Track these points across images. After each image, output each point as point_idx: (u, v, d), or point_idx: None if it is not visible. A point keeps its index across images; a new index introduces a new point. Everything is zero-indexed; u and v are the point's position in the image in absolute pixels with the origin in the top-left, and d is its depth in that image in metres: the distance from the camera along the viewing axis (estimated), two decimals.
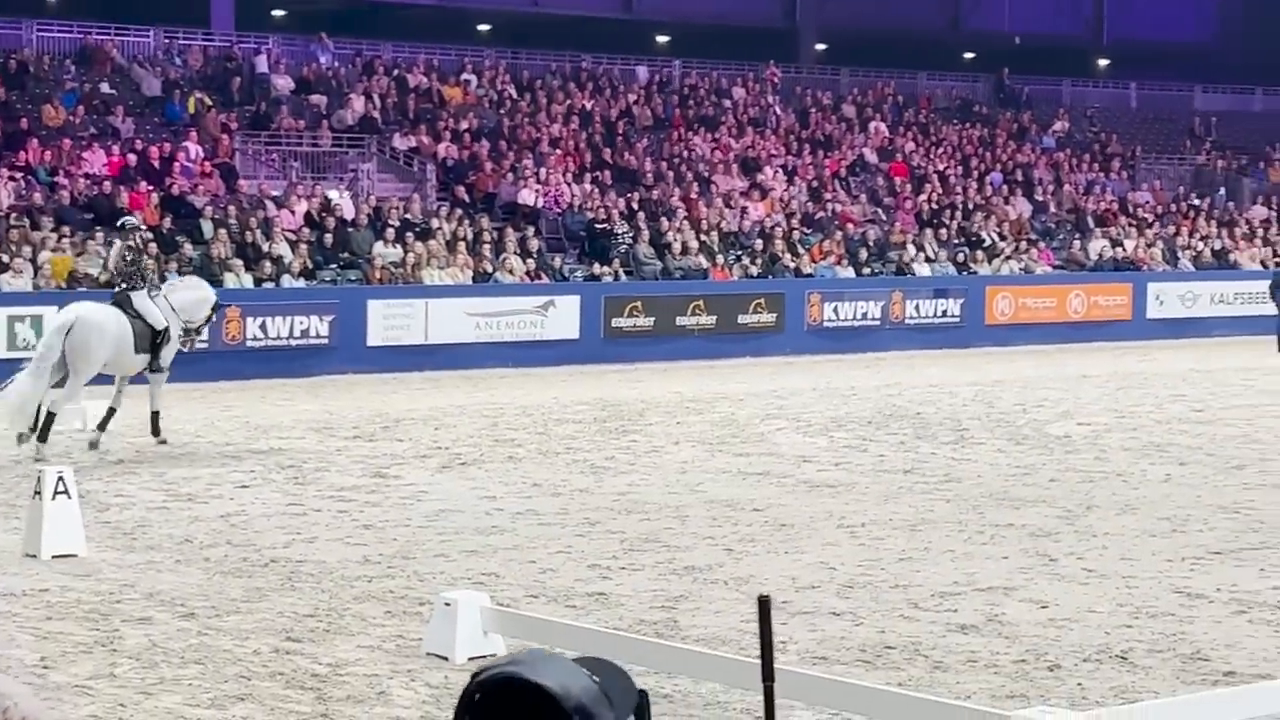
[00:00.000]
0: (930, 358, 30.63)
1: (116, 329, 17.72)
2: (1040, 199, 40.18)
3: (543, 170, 34.05)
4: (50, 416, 17.19)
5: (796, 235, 33.97)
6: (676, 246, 31.90)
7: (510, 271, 29.55)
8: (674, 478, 16.09)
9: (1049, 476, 16.23)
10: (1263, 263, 38.57)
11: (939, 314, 32.91)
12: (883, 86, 45.77)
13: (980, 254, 35.28)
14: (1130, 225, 39.24)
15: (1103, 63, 59.51)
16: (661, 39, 51.37)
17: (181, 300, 18.58)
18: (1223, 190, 44.35)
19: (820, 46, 52.10)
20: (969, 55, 55.31)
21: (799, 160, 38.85)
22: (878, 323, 32.14)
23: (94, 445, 17.73)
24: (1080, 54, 57.21)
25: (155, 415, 18.16)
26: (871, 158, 40.44)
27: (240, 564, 11.88)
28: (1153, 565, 11.87)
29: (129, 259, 18.46)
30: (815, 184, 37.80)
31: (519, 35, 45.69)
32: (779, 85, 43.78)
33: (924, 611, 10.44)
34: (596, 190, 33.93)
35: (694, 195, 34.98)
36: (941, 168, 40.56)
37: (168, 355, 18.35)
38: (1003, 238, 36.59)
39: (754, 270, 32.46)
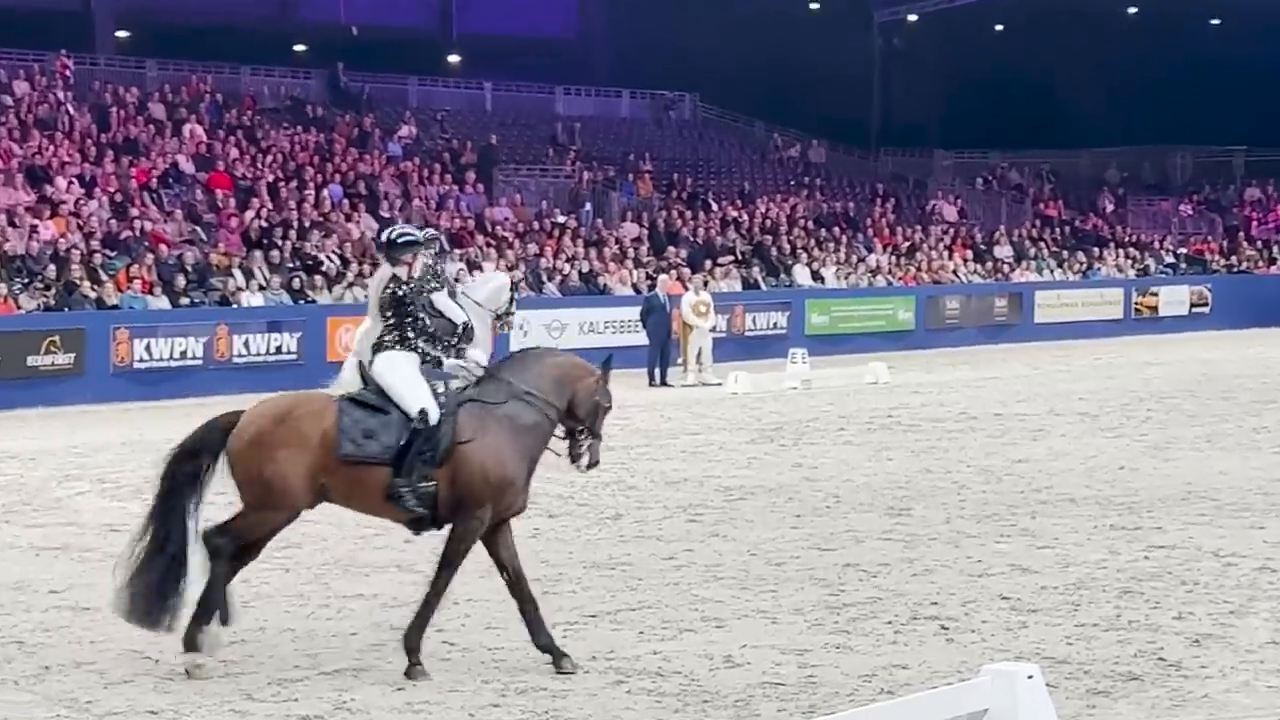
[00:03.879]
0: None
1: None
2: (387, 215, 40.79)
3: None
4: None
5: (98, 259, 33.19)
6: None
7: None
8: None
9: (404, 537, 16.41)
10: (635, 286, 40.48)
11: (273, 350, 32.86)
12: (198, 82, 45.46)
13: (319, 279, 35.48)
14: (489, 245, 40.39)
15: (453, 59, 61.19)
16: None
17: (483, 294, 22.50)
18: (589, 206, 46.31)
19: (121, 34, 51.29)
20: (300, 48, 55.74)
21: (99, 169, 38.02)
22: (200, 362, 31.78)
23: None
24: (427, 49, 58.66)
25: None
26: (187, 166, 40.01)
27: None
28: (520, 634, 12.20)
29: (430, 266, 23.00)
30: (119, 198, 37.06)
31: None
32: (72, 79, 42.77)
33: (259, 703, 10.39)
34: None
35: None
36: (271, 179, 40.59)
37: (473, 350, 21.94)
38: (345, 261, 36.94)
39: (46, 301, 31.51)
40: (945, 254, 50.25)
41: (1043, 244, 54.03)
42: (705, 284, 37.19)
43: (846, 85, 66.04)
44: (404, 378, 11.58)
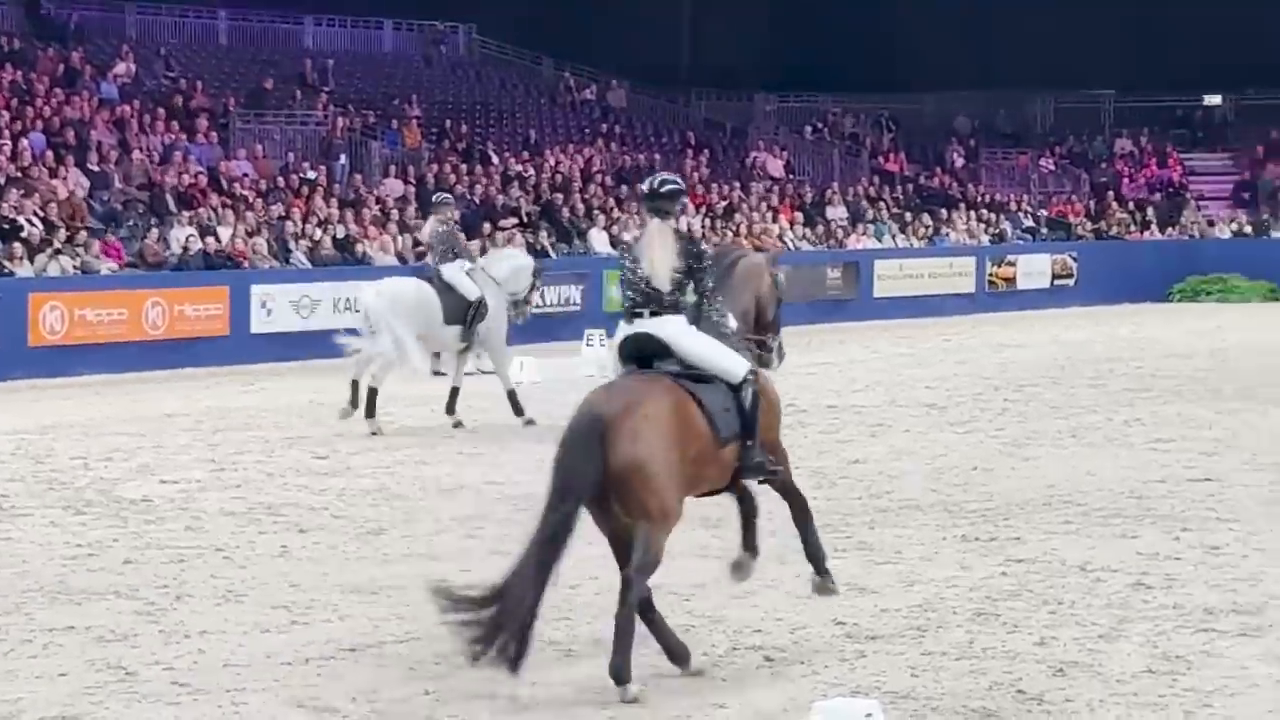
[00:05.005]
0: None
1: (415, 299, 24.90)
2: (100, 170, 40.32)
3: None
4: (371, 392, 24.59)
5: None
6: None
7: None
8: None
9: (123, 558, 16.31)
10: (399, 255, 40.32)
11: None
12: None
13: (18, 247, 35.00)
14: (226, 207, 40.03)
15: None
16: None
17: (501, 271, 25.47)
18: (344, 158, 46.03)
19: None
20: None
21: None
22: None
23: (458, 425, 25.18)
24: None
25: (511, 394, 25.48)
26: None
27: None
28: (267, 673, 12.14)
29: (443, 233, 25.76)
30: None
31: None
32: None
33: None
34: None
35: None
36: None
37: (490, 329, 25.27)
38: (50, 225, 36.45)
39: None
40: (768, 216, 50.62)
41: (882, 204, 54.58)
42: (483, 250, 37.13)
43: (651, 16, 66.20)
44: (710, 341, 12.20)
